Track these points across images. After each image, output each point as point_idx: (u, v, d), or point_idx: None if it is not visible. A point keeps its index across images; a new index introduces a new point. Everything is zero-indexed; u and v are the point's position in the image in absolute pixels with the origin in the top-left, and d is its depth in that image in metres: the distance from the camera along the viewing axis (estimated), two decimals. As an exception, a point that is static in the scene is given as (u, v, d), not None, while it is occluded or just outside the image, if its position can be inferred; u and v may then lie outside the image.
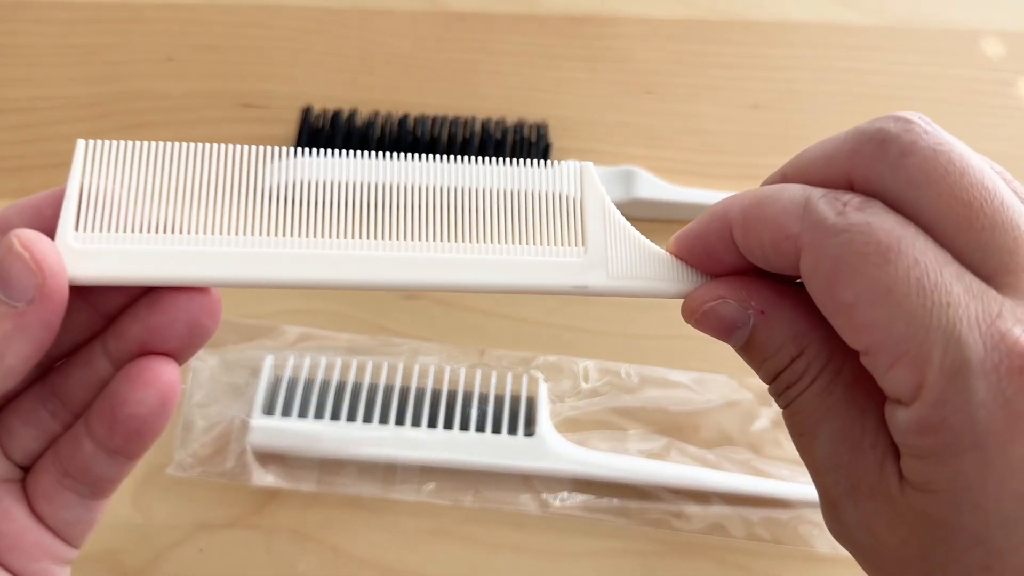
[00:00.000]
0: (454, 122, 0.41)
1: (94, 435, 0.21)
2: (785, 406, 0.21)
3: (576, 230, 0.22)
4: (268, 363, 0.36)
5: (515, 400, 0.35)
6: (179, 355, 0.21)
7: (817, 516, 0.34)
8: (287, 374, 0.36)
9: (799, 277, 0.19)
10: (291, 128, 0.42)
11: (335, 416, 0.35)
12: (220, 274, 0.21)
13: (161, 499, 0.34)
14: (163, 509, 0.34)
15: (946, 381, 0.17)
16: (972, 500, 0.17)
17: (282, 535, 0.34)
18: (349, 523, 0.34)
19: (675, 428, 0.36)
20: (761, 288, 0.21)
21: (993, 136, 0.43)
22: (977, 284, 0.17)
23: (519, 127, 0.41)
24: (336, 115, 0.41)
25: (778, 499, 0.34)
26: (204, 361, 0.36)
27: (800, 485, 0.34)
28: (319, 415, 0.35)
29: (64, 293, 0.19)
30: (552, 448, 0.34)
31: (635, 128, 0.43)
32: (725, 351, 0.39)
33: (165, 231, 0.21)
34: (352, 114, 0.41)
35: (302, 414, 0.35)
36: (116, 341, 0.21)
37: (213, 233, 0.21)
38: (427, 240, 0.22)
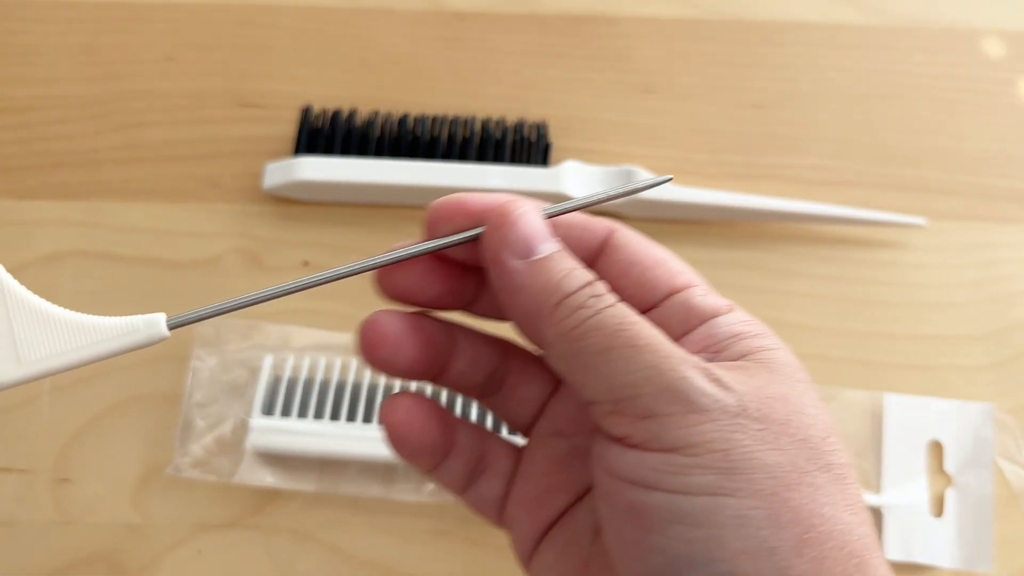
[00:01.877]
0: (454, 122, 0.41)
1: None
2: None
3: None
4: (267, 363, 0.36)
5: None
6: None
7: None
8: (286, 374, 0.35)
9: None
10: (291, 128, 0.42)
11: (335, 416, 0.35)
12: None
13: (160, 500, 0.34)
14: (162, 510, 0.34)
15: None
16: None
17: (282, 536, 0.34)
18: (349, 524, 0.34)
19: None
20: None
21: (993, 136, 0.43)
22: None
23: (519, 127, 0.41)
24: (336, 115, 0.41)
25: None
26: (203, 361, 0.36)
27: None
28: (319, 415, 0.35)
29: None
30: (552, 448, 0.34)
31: (635, 127, 0.43)
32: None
33: None
34: (352, 114, 0.41)
35: (301, 414, 0.35)
36: None
37: None
38: None
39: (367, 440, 0.34)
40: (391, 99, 0.43)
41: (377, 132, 0.41)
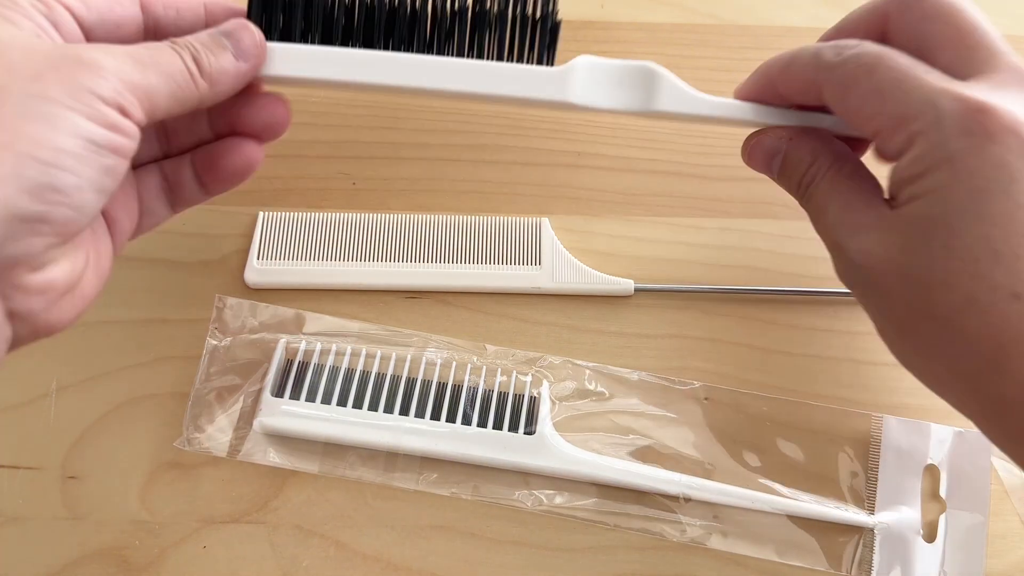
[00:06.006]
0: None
1: (195, 168, 0.31)
2: (806, 199, 0.30)
3: (536, 255, 0.38)
4: (280, 346, 0.36)
5: (517, 398, 0.36)
6: (260, 139, 0.31)
7: (811, 525, 0.35)
8: (298, 358, 0.36)
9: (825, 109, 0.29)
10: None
11: (342, 402, 0.35)
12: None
13: (166, 496, 0.35)
14: (168, 505, 0.35)
15: (928, 127, 0.25)
16: (944, 195, 0.25)
17: (286, 531, 0.34)
18: (352, 519, 0.35)
19: (675, 432, 0.36)
20: (789, 127, 0.31)
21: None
22: (949, 79, 0.26)
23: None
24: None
25: (773, 510, 0.35)
26: (218, 340, 0.37)
27: (794, 500, 0.35)
28: (327, 400, 0.35)
29: (258, 70, 0.29)
30: (551, 447, 0.35)
31: (631, 130, 0.43)
32: (725, 355, 0.40)
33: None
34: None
35: (310, 398, 0.35)
36: (217, 119, 0.31)
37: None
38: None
39: (372, 427, 0.35)
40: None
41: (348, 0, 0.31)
